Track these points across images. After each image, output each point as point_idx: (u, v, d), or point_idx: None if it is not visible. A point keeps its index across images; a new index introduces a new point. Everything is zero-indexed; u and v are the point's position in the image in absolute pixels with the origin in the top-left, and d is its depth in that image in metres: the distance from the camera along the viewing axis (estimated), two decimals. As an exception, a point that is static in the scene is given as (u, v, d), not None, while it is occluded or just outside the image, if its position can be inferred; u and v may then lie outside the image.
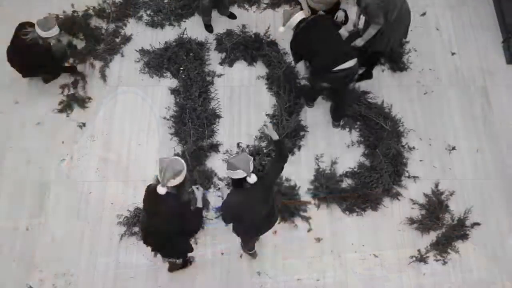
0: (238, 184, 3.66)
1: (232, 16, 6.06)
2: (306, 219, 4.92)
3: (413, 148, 5.29)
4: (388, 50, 5.25)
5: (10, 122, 5.44)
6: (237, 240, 4.80)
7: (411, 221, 4.92)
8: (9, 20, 6.06)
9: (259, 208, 3.83)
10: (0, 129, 5.40)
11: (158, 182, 3.57)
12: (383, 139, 5.21)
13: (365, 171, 5.09)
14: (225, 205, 3.76)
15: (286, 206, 4.93)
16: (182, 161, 3.60)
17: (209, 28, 5.98)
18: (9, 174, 5.16)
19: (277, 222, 4.86)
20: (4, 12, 6.12)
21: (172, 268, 4.66)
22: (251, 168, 3.60)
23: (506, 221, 4.95)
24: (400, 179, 5.09)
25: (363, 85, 5.63)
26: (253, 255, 4.74)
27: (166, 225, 3.65)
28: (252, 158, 3.65)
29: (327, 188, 5.00)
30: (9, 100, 5.56)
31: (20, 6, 6.17)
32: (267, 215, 4.00)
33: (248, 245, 4.61)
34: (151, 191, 3.69)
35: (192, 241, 4.80)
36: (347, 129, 5.40)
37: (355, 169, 5.16)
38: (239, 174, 3.58)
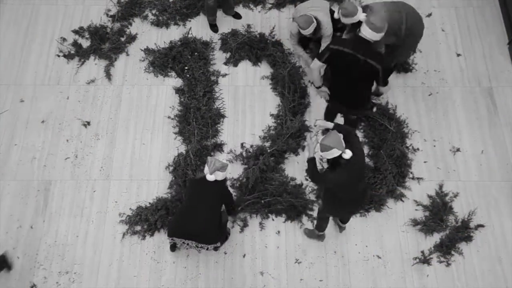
0: (334, 164, 3.77)
1: (237, 16, 6.05)
2: (312, 218, 4.91)
3: (418, 149, 5.26)
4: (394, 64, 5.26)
5: (15, 120, 5.45)
6: (239, 240, 4.81)
7: (415, 222, 4.90)
8: (13, 20, 6.11)
9: (357, 182, 3.96)
10: (6, 127, 5.41)
11: (201, 176, 4.27)
12: (387, 140, 5.19)
13: (369, 172, 5.06)
14: (328, 184, 3.92)
15: (293, 206, 4.92)
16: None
17: (214, 27, 5.97)
18: (13, 172, 5.17)
19: (283, 221, 4.87)
20: (9, 11, 6.14)
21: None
22: (344, 144, 3.71)
23: (510, 223, 4.92)
24: (404, 180, 5.07)
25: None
26: (322, 237, 4.80)
27: (210, 210, 4.22)
28: (341, 135, 3.78)
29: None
30: (15, 98, 5.57)
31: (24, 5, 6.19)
32: (364, 190, 4.15)
33: (323, 227, 4.67)
34: (197, 180, 4.31)
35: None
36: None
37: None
38: (334, 153, 3.69)
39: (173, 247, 4.75)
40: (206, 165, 4.22)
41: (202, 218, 4.19)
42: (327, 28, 4.93)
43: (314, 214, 4.94)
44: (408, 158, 5.17)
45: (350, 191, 3.96)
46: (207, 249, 4.39)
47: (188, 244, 4.34)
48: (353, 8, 4.50)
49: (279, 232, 4.87)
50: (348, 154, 3.71)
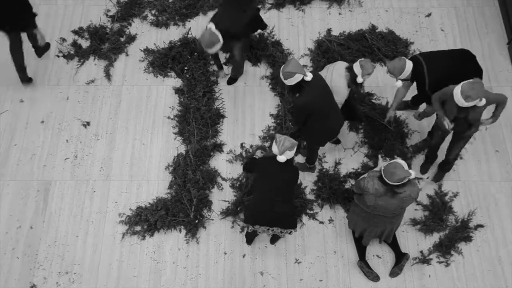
0: (296, 89, 4.07)
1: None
2: (313, 217, 4.87)
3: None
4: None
5: (15, 120, 5.41)
6: (239, 240, 4.77)
7: (415, 222, 4.85)
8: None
9: (330, 99, 4.27)
10: (5, 127, 5.37)
11: (270, 155, 4.03)
12: (387, 140, 5.15)
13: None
14: (298, 106, 4.15)
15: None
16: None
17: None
18: (13, 172, 5.13)
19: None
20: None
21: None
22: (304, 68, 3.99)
23: (510, 223, 4.87)
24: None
25: (367, 84, 5.57)
26: (313, 169, 5.00)
27: (288, 193, 4.05)
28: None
29: (331, 189, 4.95)
30: (15, 99, 5.53)
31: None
32: (337, 108, 4.42)
33: (313, 159, 4.87)
34: (267, 161, 4.03)
35: (194, 241, 4.78)
36: (353, 130, 5.34)
37: (359, 170, 5.10)
38: (297, 78, 3.98)
39: (250, 241, 4.69)
40: (274, 144, 3.93)
41: (283, 202, 4.02)
42: None
43: (315, 214, 4.91)
44: (408, 158, 5.13)
45: (326, 107, 4.21)
46: (290, 233, 4.26)
47: (273, 230, 4.19)
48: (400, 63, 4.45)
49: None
50: (309, 76, 4.01)
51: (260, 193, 4.07)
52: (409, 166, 5.05)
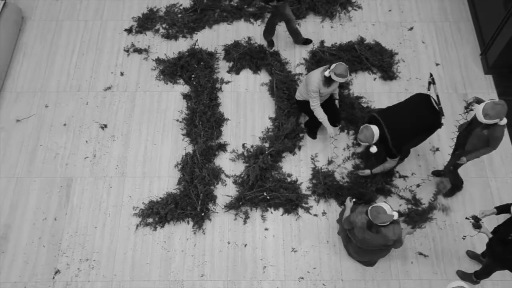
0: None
1: (308, 42, 5.84)
2: (307, 210, 4.82)
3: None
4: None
5: (41, 123, 5.36)
6: (241, 231, 4.72)
7: (399, 214, 4.78)
8: (39, 34, 6.01)
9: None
10: (32, 129, 5.32)
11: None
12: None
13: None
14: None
15: (290, 200, 4.83)
16: None
17: (271, 43, 5.81)
18: (39, 170, 5.08)
19: (281, 214, 4.79)
20: (36, 27, 6.05)
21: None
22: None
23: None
24: (392, 179, 4.97)
25: (356, 90, 5.52)
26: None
27: None
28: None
29: (325, 185, 4.89)
30: (40, 104, 5.48)
31: (49, 21, 6.10)
32: None
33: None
34: None
35: (200, 232, 4.73)
36: (345, 132, 5.29)
37: (351, 169, 5.04)
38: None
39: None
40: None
41: None
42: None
43: (310, 208, 4.84)
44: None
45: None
46: None
47: None
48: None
49: (277, 223, 4.78)
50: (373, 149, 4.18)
51: None
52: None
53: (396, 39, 5.92)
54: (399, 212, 4.78)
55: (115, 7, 6.18)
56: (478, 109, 3.88)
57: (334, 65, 4.46)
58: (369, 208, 3.77)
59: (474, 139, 4.14)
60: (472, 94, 5.54)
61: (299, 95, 4.92)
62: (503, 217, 4.30)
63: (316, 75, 4.60)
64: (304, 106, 4.89)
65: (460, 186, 4.86)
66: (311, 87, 4.61)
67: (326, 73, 4.51)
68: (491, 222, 4.39)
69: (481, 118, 3.87)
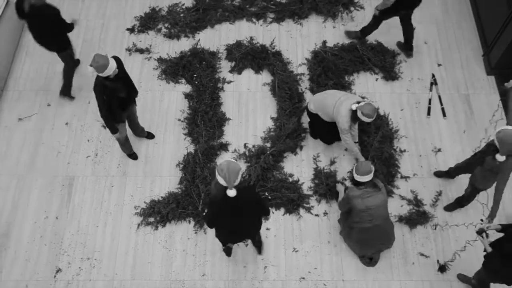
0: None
1: (150, 136, 5.21)
2: (309, 210, 4.79)
3: (404, 150, 5.13)
4: None
5: (43, 122, 5.34)
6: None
7: (400, 218, 4.75)
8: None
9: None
10: (34, 128, 5.30)
11: (221, 188, 3.32)
12: (376, 142, 5.04)
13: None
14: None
15: (291, 200, 4.80)
16: (234, 161, 3.38)
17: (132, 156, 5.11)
18: (41, 168, 5.06)
19: (282, 214, 4.75)
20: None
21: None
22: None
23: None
24: (394, 179, 4.94)
25: (358, 90, 5.49)
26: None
27: (252, 216, 3.60)
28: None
29: (327, 186, 4.86)
30: (42, 103, 5.46)
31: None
32: None
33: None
34: (221, 199, 3.35)
35: (202, 231, 4.71)
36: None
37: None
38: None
39: (229, 253, 4.54)
40: (219, 177, 3.30)
41: (250, 225, 3.75)
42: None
43: (311, 208, 4.82)
44: (396, 159, 5.03)
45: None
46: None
47: (246, 241, 4.18)
48: None
49: (278, 223, 4.75)
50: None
51: (223, 228, 3.68)
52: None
53: (398, 39, 5.88)
54: (400, 216, 4.76)
55: (117, 6, 6.16)
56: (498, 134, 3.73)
57: (362, 103, 4.28)
58: (354, 169, 3.92)
59: (487, 167, 4.03)
60: (474, 94, 5.51)
61: (313, 109, 4.70)
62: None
63: (345, 112, 4.37)
64: (316, 119, 4.77)
65: (464, 204, 4.73)
66: (342, 125, 4.42)
67: (353, 107, 4.31)
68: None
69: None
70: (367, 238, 4.23)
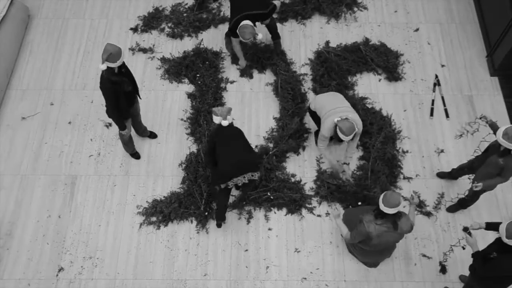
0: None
1: (153, 136, 5.20)
2: (311, 210, 4.77)
3: (407, 151, 5.10)
4: None
5: (46, 121, 5.34)
6: (244, 231, 4.68)
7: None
8: (46, 32, 6.00)
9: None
10: (37, 127, 5.30)
11: (219, 123, 4.08)
12: (378, 143, 5.01)
13: (364, 173, 4.90)
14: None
15: (294, 200, 4.78)
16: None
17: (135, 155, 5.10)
18: (44, 167, 5.06)
19: (284, 214, 4.74)
20: (42, 25, 6.03)
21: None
22: None
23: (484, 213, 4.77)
24: (396, 180, 4.92)
25: (361, 91, 5.47)
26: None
27: (243, 142, 4.18)
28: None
29: (329, 189, 4.83)
30: (46, 102, 5.46)
31: (56, 19, 6.08)
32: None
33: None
34: (217, 129, 4.13)
35: (204, 231, 4.70)
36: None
37: (355, 171, 4.99)
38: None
39: (223, 216, 4.54)
40: (215, 116, 4.07)
41: (242, 150, 4.12)
42: (360, 126, 4.51)
43: (313, 208, 4.80)
44: (398, 160, 5.00)
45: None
46: (254, 177, 4.17)
47: (244, 177, 4.10)
48: None
49: (280, 223, 4.73)
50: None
51: (225, 154, 4.10)
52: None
53: (402, 40, 5.86)
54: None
55: (121, 6, 6.15)
56: (498, 134, 3.78)
57: (343, 118, 4.32)
58: (381, 197, 3.67)
59: (489, 167, 4.03)
60: (477, 96, 5.48)
61: (313, 107, 4.73)
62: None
63: (330, 123, 4.42)
64: (316, 118, 4.78)
65: (468, 205, 4.69)
66: (323, 131, 4.50)
67: (335, 120, 4.34)
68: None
69: (499, 137, 3.76)
70: (371, 252, 4.17)
